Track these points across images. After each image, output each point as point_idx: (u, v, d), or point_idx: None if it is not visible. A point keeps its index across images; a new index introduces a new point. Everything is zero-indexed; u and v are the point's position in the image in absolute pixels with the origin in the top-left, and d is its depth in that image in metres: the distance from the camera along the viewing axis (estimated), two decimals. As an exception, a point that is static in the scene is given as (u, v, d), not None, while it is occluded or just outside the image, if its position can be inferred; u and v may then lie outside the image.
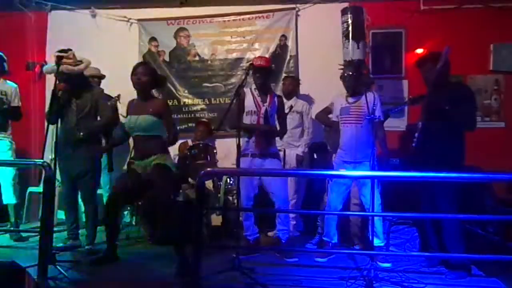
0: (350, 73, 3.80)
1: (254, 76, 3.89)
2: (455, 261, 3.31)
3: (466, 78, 5.10)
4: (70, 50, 3.81)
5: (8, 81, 4.32)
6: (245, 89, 3.89)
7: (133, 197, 3.75)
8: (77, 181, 3.88)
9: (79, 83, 3.81)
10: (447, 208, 3.25)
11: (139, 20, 5.69)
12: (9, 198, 4.26)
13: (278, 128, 3.97)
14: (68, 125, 3.79)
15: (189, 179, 4.52)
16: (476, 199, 3.63)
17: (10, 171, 4.25)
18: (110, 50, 5.27)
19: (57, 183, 3.90)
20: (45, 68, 3.76)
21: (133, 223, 4.79)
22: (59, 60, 3.59)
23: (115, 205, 3.50)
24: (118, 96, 4.04)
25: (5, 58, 4.33)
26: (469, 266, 3.33)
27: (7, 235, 4.29)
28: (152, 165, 3.42)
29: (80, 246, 3.92)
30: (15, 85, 4.34)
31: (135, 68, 3.49)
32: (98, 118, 3.87)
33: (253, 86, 3.95)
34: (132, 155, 3.64)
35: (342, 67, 3.88)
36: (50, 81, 4.15)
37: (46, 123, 3.37)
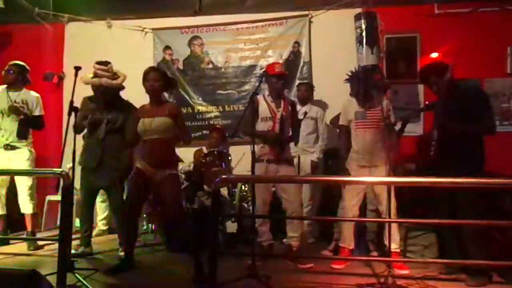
0: (353, 86, 3.80)
1: (277, 83, 3.88)
2: (475, 268, 3.24)
3: (483, 82, 5.04)
4: (109, 63, 3.91)
5: (30, 91, 4.41)
6: (258, 96, 3.91)
7: (145, 198, 3.74)
8: (97, 192, 3.97)
9: (113, 97, 3.90)
10: (467, 213, 3.20)
11: (153, 29, 5.78)
12: (26, 208, 4.31)
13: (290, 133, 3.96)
14: (96, 138, 3.86)
15: (204, 186, 4.54)
16: (495, 204, 3.56)
17: (26, 181, 4.28)
18: (125, 59, 5.31)
19: (74, 191, 3.97)
20: (84, 78, 3.83)
21: (150, 230, 4.82)
22: (97, 72, 3.74)
23: (132, 212, 3.53)
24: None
25: (28, 69, 4.44)
26: (490, 272, 3.26)
27: (25, 243, 4.34)
28: (164, 176, 3.39)
29: (93, 253, 3.97)
30: (37, 95, 4.43)
31: (146, 74, 3.48)
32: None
33: (266, 93, 3.97)
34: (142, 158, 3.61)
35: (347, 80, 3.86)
36: (68, 91, 4.22)
37: (64, 132, 3.42)
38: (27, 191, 4.28)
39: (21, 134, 4.28)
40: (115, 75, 3.91)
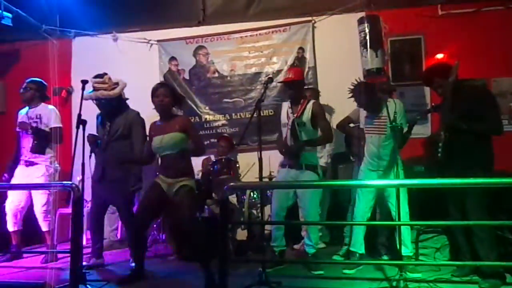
0: (358, 98, 3.78)
1: (287, 90, 3.92)
2: (488, 269, 3.20)
3: (490, 82, 5.00)
4: (106, 74, 3.94)
5: (47, 105, 4.46)
6: (283, 103, 3.98)
7: (157, 213, 3.77)
8: (108, 204, 4.00)
9: (116, 106, 3.94)
10: (477, 214, 3.17)
11: (158, 41, 5.84)
12: (41, 225, 4.34)
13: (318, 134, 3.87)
14: (100, 147, 3.89)
15: (213, 194, 4.56)
16: (506, 204, 3.52)
17: (40, 197, 4.31)
18: (131, 71, 5.39)
19: (84, 204, 4.02)
20: (85, 96, 3.88)
21: (161, 240, 4.84)
22: (95, 86, 3.79)
23: (142, 224, 3.55)
24: None
25: (46, 84, 4.52)
26: (503, 274, 3.22)
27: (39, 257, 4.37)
28: (179, 186, 3.43)
29: (104, 264, 4.00)
30: (52, 107, 4.47)
31: (155, 90, 3.50)
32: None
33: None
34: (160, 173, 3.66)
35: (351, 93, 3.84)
36: (76, 105, 4.28)
37: (73, 145, 3.47)
38: (41, 208, 4.32)
39: (36, 149, 4.31)
40: (114, 85, 3.93)
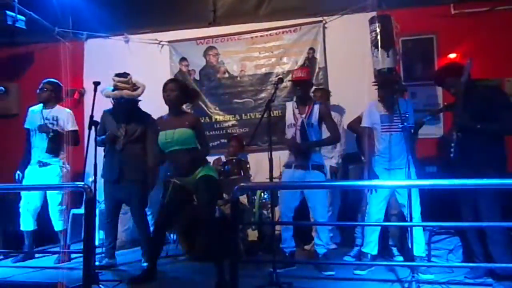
0: (382, 88, 3.77)
1: (294, 89, 3.92)
2: (502, 271, 3.16)
3: (504, 81, 4.93)
4: (128, 74, 3.99)
5: (63, 108, 4.52)
6: (287, 103, 3.97)
7: (180, 215, 3.79)
8: (121, 204, 4.04)
9: (134, 107, 3.97)
10: (491, 215, 3.13)
11: (169, 41, 5.88)
12: (56, 224, 4.38)
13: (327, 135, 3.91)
14: (115, 150, 3.93)
15: (224, 195, 4.56)
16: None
17: (56, 197, 4.36)
18: (143, 72, 5.37)
19: (97, 204, 4.05)
20: (105, 92, 3.90)
21: (171, 240, 4.86)
22: (118, 85, 3.82)
23: (163, 227, 3.58)
24: None
25: (61, 86, 4.56)
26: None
27: (51, 257, 4.43)
28: (199, 178, 3.44)
29: (116, 264, 4.03)
30: (69, 111, 4.52)
31: (165, 85, 3.56)
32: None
33: (294, 99, 3.98)
34: (170, 172, 3.66)
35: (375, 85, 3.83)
36: (88, 106, 4.31)
37: (85, 146, 3.50)
38: (56, 207, 4.36)
39: (51, 150, 4.36)
40: (134, 86, 3.99)
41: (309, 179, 3.74)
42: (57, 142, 4.37)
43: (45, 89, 4.42)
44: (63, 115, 4.44)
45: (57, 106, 4.49)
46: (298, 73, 3.90)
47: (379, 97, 3.84)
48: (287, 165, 3.85)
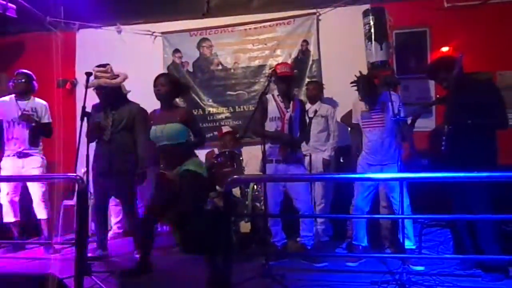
0: (362, 93, 3.78)
1: (280, 84, 3.90)
2: (491, 263, 3.21)
3: (495, 75, 4.96)
4: (108, 64, 3.95)
5: (38, 99, 4.48)
6: (267, 96, 3.94)
7: (169, 207, 3.78)
8: (111, 196, 4.01)
9: (115, 96, 3.93)
10: (481, 208, 3.17)
11: (162, 33, 5.83)
12: (40, 214, 4.37)
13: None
14: (103, 139, 3.90)
15: (217, 187, 4.57)
16: (510, 198, 3.51)
17: (39, 188, 4.34)
18: (135, 64, 5.39)
19: (89, 195, 4.03)
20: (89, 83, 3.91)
21: (164, 232, 4.87)
22: (96, 75, 3.78)
23: (152, 218, 3.57)
24: None
25: (34, 77, 4.50)
26: (506, 267, 3.22)
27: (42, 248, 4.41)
28: (182, 171, 3.45)
29: (109, 255, 4.03)
30: (45, 102, 4.50)
31: (155, 80, 3.54)
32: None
33: (276, 93, 3.98)
34: (161, 165, 3.66)
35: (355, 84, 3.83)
36: (80, 97, 4.28)
37: (77, 137, 3.48)
38: (40, 197, 4.35)
39: (33, 141, 4.34)
40: (114, 75, 3.94)
41: (292, 172, 3.79)
42: (38, 133, 4.38)
43: (22, 80, 4.37)
44: (41, 107, 4.43)
45: (33, 98, 4.45)
46: (284, 69, 3.90)
47: (359, 96, 3.85)
48: (268, 160, 3.79)
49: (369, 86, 3.72)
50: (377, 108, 3.71)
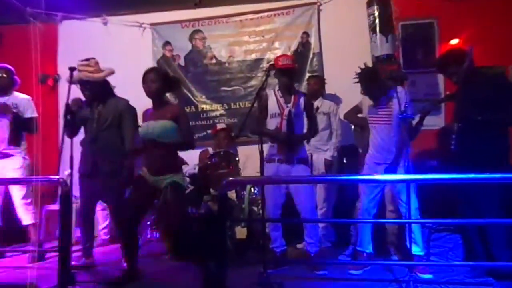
0: (364, 86, 3.79)
1: (281, 78, 3.90)
2: (504, 271, 3.22)
3: (508, 69, 4.99)
4: (94, 58, 3.93)
5: (20, 94, 4.47)
6: (267, 91, 3.94)
7: (146, 209, 3.78)
8: (97, 199, 4.01)
9: (100, 92, 3.90)
10: (493, 211, 3.19)
11: (152, 24, 5.84)
12: (24, 219, 4.35)
13: (305, 129, 3.97)
14: (89, 137, 3.89)
15: (211, 190, 4.57)
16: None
17: (20, 191, 4.32)
18: (123, 57, 5.40)
19: (73, 200, 4.02)
20: (68, 79, 3.88)
21: (155, 239, 4.87)
22: (79, 69, 3.77)
23: (131, 222, 3.55)
24: None
25: (13, 71, 4.48)
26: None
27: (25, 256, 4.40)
28: (167, 184, 3.45)
29: (95, 264, 4.02)
30: (27, 97, 4.48)
31: (144, 76, 3.53)
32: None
33: (276, 88, 3.98)
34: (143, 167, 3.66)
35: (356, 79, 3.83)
36: (63, 93, 4.28)
37: (60, 136, 3.48)
38: (22, 201, 4.33)
39: (13, 140, 4.32)
40: (100, 70, 3.92)
41: (295, 173, 3.76)
42: (19, 130, 4.35)
43: (3, 75, 4.37)
44: (23, 102, 4.40)
45: (15, 93, 4.44)
46: (285, 61, 3.88)
47: (361, 91, 3.86)
48: (269, 159, 3.82)
49: (371, 80, 3.72)
50: (384, 104, 3.71)
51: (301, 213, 3.84)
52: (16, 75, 4.49)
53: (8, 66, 4.47)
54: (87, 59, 3.91)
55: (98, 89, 3.89)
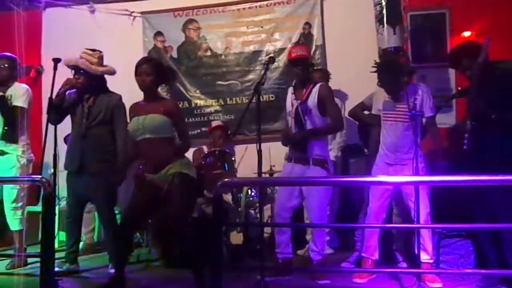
0: (383, 78, 3.75)
1: (295, 69, 3.84)
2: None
3: (524, 63, 5.00)
4: (100, 52, 3.94)
5: (20, 84, 4.41)
6: (289, 89, 3.95)
7: (151, 212, 3.75)
8: (85, 201, 3.99)
9: (94, 86, 3.89)
10: (507, 216, 3.18)
11: (142, 13, 5.84)
12: (10, 223, 4.33)
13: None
14: (78, 132, 3.86)
15: (205, 192, 4.56)
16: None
17: (10, 192, 4.30)
18: (111, 48, 5.30)
19: (57, 201, 4.01)
20: (66, 59, 3.80)
21: (144, 244, 4.86)
22: (81, 55, 3.79)
23: (129, 228, 3.54)
24: None
25: (17, 59, 4.45)
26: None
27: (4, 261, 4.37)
28: (170, 175, 3.39)
29: (79, 270, 4.01)
30: (25, 86, 4.41)
31: (137, 67, 3.48)
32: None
33: (294, 83, 3.96)
34: (141, 166, 3.64)
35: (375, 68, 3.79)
36: (47, 86, 4.25)
37: (43, 134, 3.45)
38: (11, 205, 4.31)
39: (8, 136, 4.26)
40: (100, 65, 3.91)
41: (310, 175, 3.70)
42: (15, 124, 4.27)
43: (5, 66, 4.33)
44: (18, 91, 4.31)
45: (16, 84, 4.39)
46: (297, 51, 3.82)
47: (378, 83, 3.83)
48: (288, 158, 3.85)
49: (394, 71, 3.67)
50: (403, 99, 3.63)
51: (310, 219, 3.82)
52: (17, 66, 4.43)
53: (12, 54, 4.43)
54: (94, 50, 3.91)
55: (92, 82, 3.88)
